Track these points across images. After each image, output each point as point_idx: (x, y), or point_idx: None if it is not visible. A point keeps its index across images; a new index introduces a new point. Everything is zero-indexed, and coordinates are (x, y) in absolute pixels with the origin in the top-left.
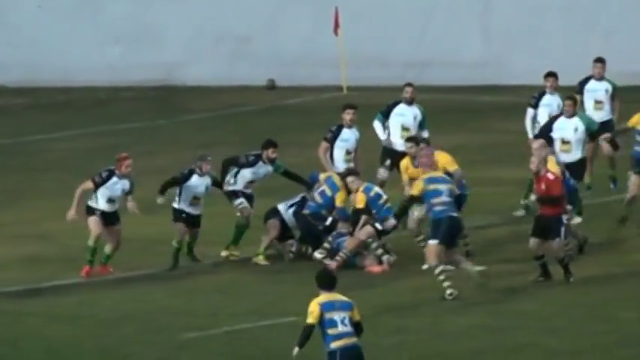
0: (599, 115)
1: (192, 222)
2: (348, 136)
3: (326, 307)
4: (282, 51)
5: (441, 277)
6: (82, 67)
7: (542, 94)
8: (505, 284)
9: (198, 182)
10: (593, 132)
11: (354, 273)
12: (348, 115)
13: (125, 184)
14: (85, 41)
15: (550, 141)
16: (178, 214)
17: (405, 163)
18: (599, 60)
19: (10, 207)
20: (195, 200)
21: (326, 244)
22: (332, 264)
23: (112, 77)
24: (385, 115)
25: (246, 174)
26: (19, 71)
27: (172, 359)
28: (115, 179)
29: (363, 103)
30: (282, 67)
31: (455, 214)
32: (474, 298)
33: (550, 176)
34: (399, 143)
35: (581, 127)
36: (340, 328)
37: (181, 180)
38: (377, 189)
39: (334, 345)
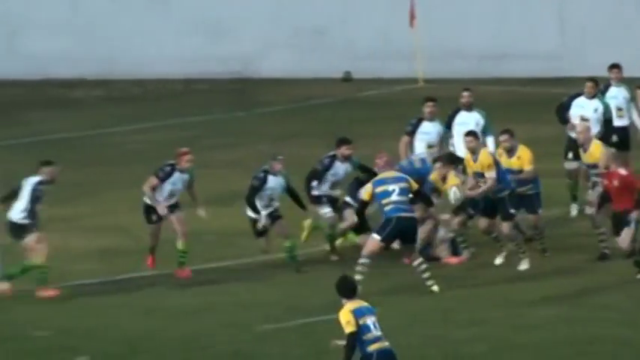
0: None
1: (274, 220)
2: (429, 129)
3: (358, 313)
4: (358, 43)
5: (359, 269)
6: (156, 59)
7: (607, 86)
8: (583, 276)
9: (274, 183)
10: (606, 119)
11: (429, 265)
12: (427, 108)
13: (185, 178)
14: (160, 33)
15: (566, 120)
16: (253, 222)
17: (467, 158)
18: None
19: (86, 199)
20: (271, 202)
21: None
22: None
23: (187, 69)
24: (448, 127)
25: (327, 178)
26: (94, 64)
27: (249, 351)
28: (176, 174)
29: (438, 96)
30: (357, 60)
31: (407, 214)
32: (551, 291)
33: (622, 172)
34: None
35: (600, 109)
36: (374, 332)
37: (260, 186)
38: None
39: (371, 348)
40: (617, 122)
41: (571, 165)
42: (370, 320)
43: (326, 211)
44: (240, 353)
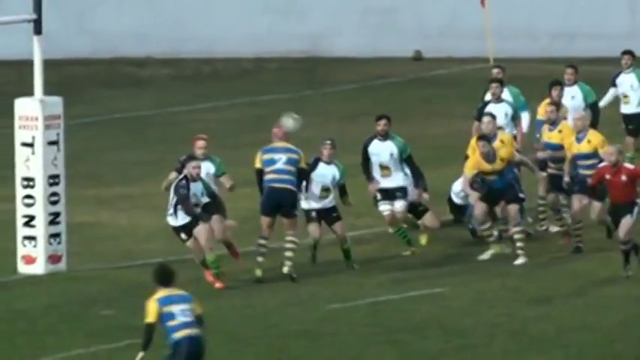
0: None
1: (326, 218)
2: (495, 112)
3: (163, 302)
4: (429, 22)
5: (260, 250)
6: (227, 37)
7: (619, 72)
8: None
9: (325, 171)
10: (589, 104)
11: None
12: (491, 90)
13: (208, 167)
14: (231, 12)
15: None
16: (308, 214)
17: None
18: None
19: (154, 178)
20: (324, 192)
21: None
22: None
23: (257, 48)
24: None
25: (372, 159)
26: (164, 42)
27: (317, 330)
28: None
29: (510, 75)
30: (428, 39)
31: (280, 185)
32: (619, 270)
33: (630, 166)
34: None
35: (579, 96)
36: (180, 319)
37: (309, 170)
38: None
39: (177, 335)
40: (624, 109)
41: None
42: (178, 308)
43: (382, 208)
44: (307, 332)
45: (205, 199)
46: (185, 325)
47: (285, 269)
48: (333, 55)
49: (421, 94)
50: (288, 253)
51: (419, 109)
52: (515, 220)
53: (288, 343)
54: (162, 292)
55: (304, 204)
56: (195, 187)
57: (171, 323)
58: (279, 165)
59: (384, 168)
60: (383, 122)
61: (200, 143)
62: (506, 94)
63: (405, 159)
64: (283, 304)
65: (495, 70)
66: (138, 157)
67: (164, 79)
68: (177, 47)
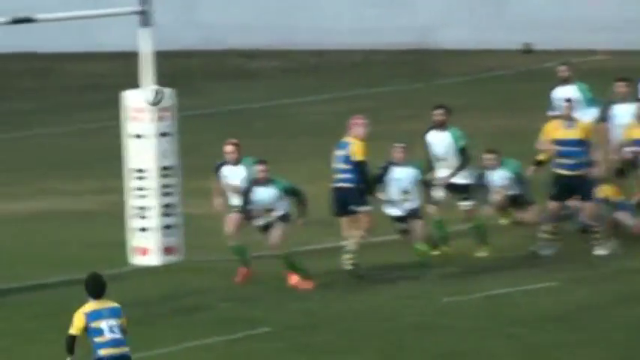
0: None
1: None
2: (623, 112)
3: (92, 316)
4: (539, 14)
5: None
6: (335, 29)
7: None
8: None
9: (400, 174)
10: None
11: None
12: (617, 89)
13: (241, 171)
14: (339, 3)
15: None
16: (394, 220)
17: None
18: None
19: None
20: (405, 195)
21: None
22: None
23: (366, 40)
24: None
25: (430, 150)
26: (271, 34)
27: (432, 323)
28: (225, 169)
29: (618, 67)
30: (538, 31)
31: (338, 185)
32: None
33: None
34: None
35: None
36: (108, 336)
37: (382, 174)
38: None
39: (102, 352)
40: None
41: None
42: (107, 324)
43: (437, 195)
44: (423, 325)
45: (283, 203)
46: (112, 343)
47: (348, 267)
48: (442, 47)
49: (531, 87)
50: (352, 250)
51: (528, 101)
52: (595, 220)
53: (404, 336)
54: (90, 305)
55: (388, 209)
56: (265, 192)
57: (99, 340)
58: (335, 164)
59: (441, 160)
60: (439, 112)
61: (227, 148)
62: (573, 90)
63: (459, 149)
64: (398, 297)
65: (562, 68)
66: (247, 150)
67: (273, 71)
68: (286, 39)
